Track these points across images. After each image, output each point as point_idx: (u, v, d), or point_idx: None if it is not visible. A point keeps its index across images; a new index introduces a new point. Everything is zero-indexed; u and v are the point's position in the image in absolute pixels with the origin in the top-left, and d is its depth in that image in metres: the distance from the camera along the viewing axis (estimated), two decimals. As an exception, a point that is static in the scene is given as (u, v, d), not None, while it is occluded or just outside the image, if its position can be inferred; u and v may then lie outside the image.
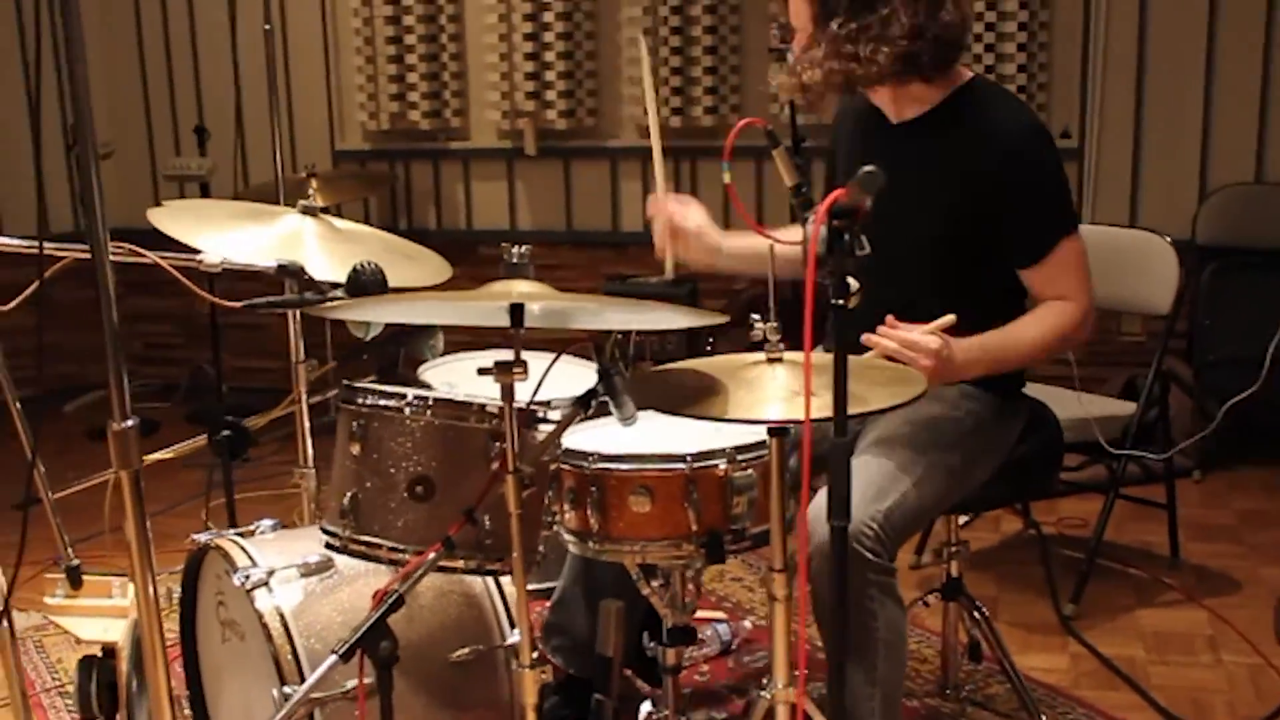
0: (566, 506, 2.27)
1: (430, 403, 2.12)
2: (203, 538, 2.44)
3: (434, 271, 2.73)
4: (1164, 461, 3.74)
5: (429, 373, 2.93)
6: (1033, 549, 3.85)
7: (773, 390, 1.95)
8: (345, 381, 2.18)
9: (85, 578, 2.35)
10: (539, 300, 1.90)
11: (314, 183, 4.49)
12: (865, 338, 2.23)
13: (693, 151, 5.18)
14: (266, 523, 2.53)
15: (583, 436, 2.31)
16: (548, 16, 5.04)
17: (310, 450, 2.85)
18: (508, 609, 2.41)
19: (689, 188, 5.21)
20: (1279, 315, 4.63)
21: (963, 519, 2.92)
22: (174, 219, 2.57)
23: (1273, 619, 3.44)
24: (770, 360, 2.02)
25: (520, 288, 1.89)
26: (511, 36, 5.08)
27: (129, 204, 5.10)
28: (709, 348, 4.90)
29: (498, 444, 2.08)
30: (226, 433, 2.86)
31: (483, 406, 2.12)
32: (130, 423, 1.78)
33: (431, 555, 1.92)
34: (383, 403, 2.12)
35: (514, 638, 2.36)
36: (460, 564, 2.06)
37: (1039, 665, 3.18)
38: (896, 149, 2.54)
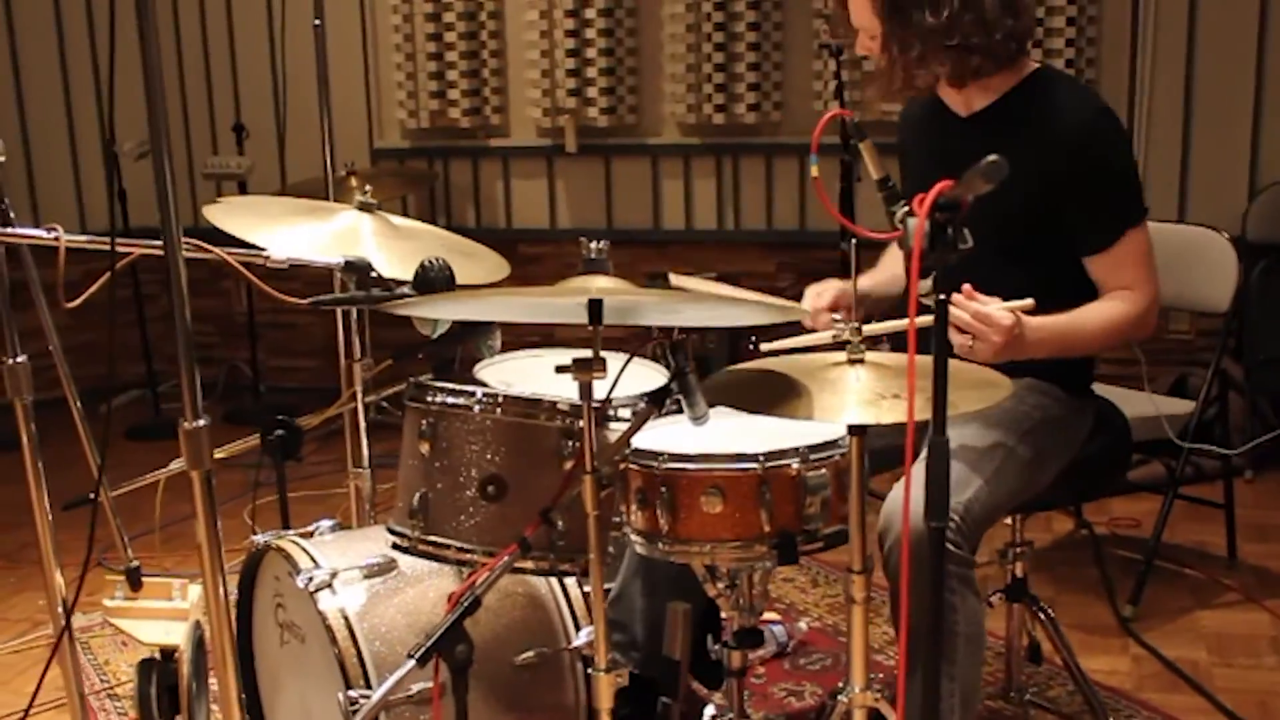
0: (634, 507, 2.22)
1: (500, 400, 2.09)
2: (262, 539, 2.40)
3: (492, 269, 2.70)
4: (1222, 460, 3.69)
5: (484, 371, 2.89)
6: (1085, 549, 3.80)
7: (857, 391, 1.90)
8: (413, 379, 2.14)
9: (144, 579, 2.31)
10: (618, 295, 1.85)
11: (353, 180, 4.48)
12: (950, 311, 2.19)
13: (736, 148, 5.14)
14: (326, 523, 2.49)
15: (650, 436, 2.26)
16: (589, 13, 5.00)
17: (366, 450, 2.81)
18: (573, 610, 2.37)
19: (732, 184, 5.17)
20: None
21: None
22: (230, 215, 2.54)
23: (1338, 621, 3.39)
24: (851, 361, 1.97)
25: (599, 283, 1.85)
26: (553, 33, 5.04)
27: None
28: (751, 348, 4.86)
29: (571, 442, 2.05)
30: (280, 432, 2.83)
31: (554, 404, 2.08)
32: (202, 422, 1.75)
33: (507, 556, 1.88)
34: (452, 400, 2.08)
35: (580, 639, 2.34)
36: (533, 565, 2.02)
37: (1100, 667, 3.12)
38: (967, 141, 2.51)
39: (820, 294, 2.60)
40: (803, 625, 3.38)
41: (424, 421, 2.07)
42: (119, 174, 5.17)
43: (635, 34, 5.11)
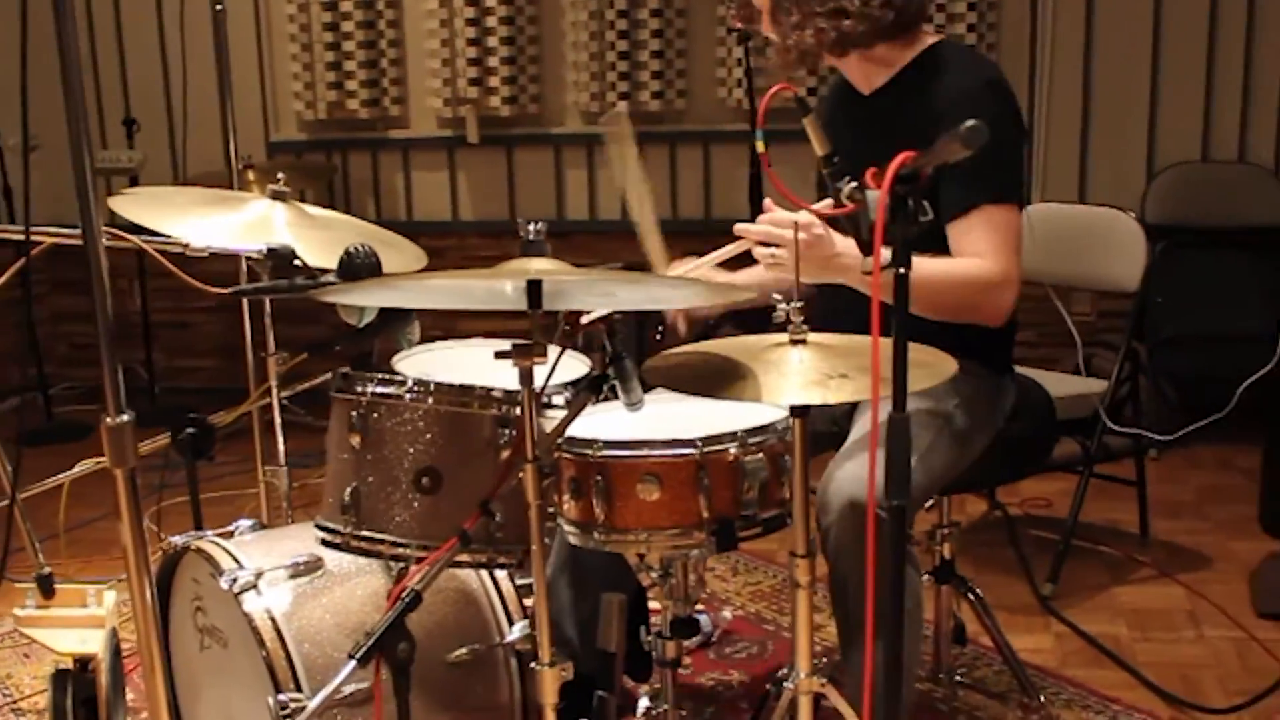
0: (567, 496, 2.17)
1: (432, 389, 2.02)
2: (180, 540, 2.31)
3: (411, 259, 2.63)
4: (1133, 438, 3.74)
5: (402, 363, 2.82)
6: (1000, 531, 3.82)
7: (802, 372, 1.87)
8: (340, 370, 2.07)
9: (57, 586, 2.21)
10: (558, 277, 1.80)
11: (250, 174, 4.37)
12: (737, 228, 2.19)
13: (639, 137, 5.07)
14: (245, 523, 2.41)
15: (583, 423, 2.21)
16: (489, 1, 4.92)
17: (281, 447, 2.72)
18: (505, 605, 2.32)
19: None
20: (1227, 293, 4.69)
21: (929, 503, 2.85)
22: (137, 206, 2.44)
23: (1249, 593, 3.44)
24: (793, 341, 1.94)
25: (537, 265, 1.79)
26: (453, 22, 4.95)
27: (54, 199, 4.94)
28: (658, 338, 4.82)
29: (507, 431, 1.99)
30: (190, 430, 2.73)
31: (487, 391, 2.03)
32: (125, 417, 1.66)
33: (447, 551, 1.82)
34: (382, 390, 2.01)
35: (514, 634, 2.28)
36: (471, 558, 1.96)
37: (1024, 646, 3.13)
38: (868, 119, 2.52)
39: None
40: (726, 614, 3.36)
41: (353, 413, 2.00)
42: (4, 169, 5.00)
43: (536, 22, 5.05)
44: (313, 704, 1.86)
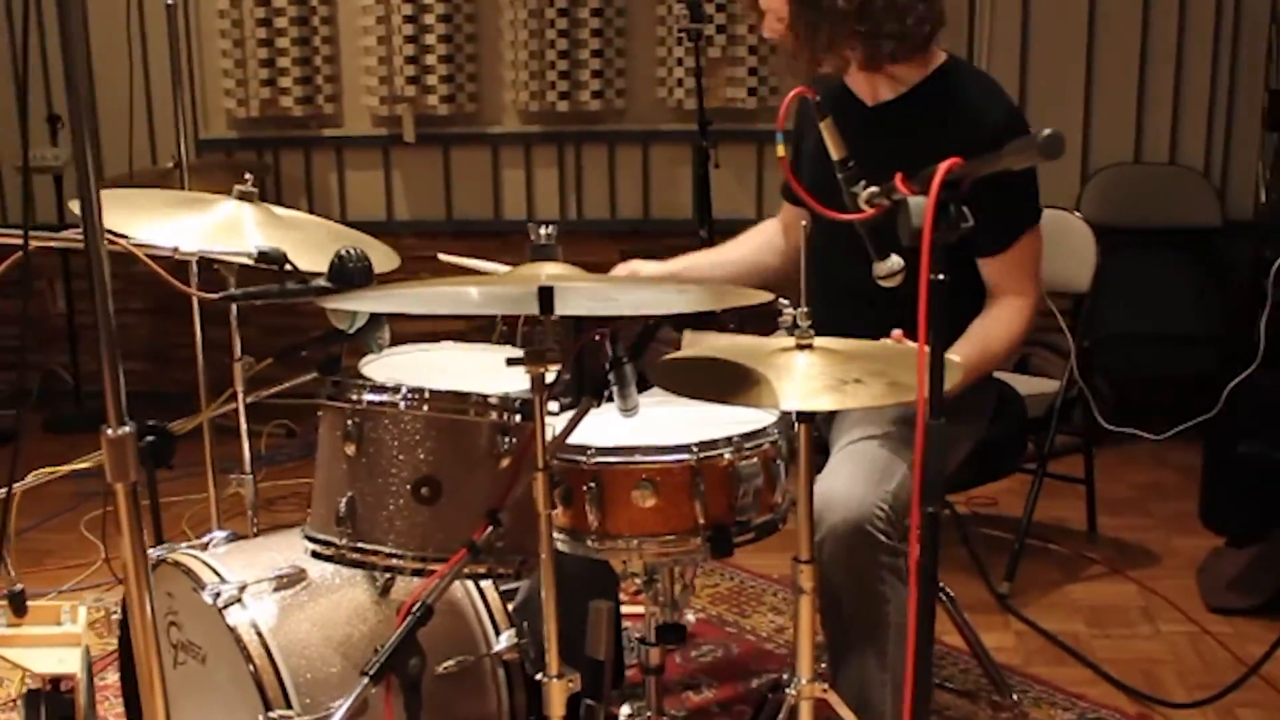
0: (558, 504, 2.14)
1: (427, 396, 1.97)
2: (154, 553, 2.23)
3: (382, 260, 2.57)
4: (1083, 436, 3.79)
5: (369, 367, 2.76)
6: (949, 530, 3.84)
7: (816, 377, 1.86)
8: (329, 377, 2.01)
9: (29, 604, 2.13)
10: (571, 283, 1.76)
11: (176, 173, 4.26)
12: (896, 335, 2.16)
13: (578, 137, 5.06)
14: (220, 534, 2.34)
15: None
16: (427, -2, 4.85)
17: (248, 454, 2.65)
18: (491, 615, 2.27)
19: (574, 173, 5.10)
20: (1160, 293, 4.78)
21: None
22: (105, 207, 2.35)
23: (1198, 588, 3.50)
24: (800, 346, 1.92)
25: (549, 270, 1.76)
26: (391, 19, 4.87)
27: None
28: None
29: (507, 439, 1.95)
30: (150, 438, 2.64)
31: (484, 398, 1.98)
32: (127, 428, 1.60)
33: (457, 563, 1.77)
34: (377, 398, 1.96)
35: (501, 645, 2.24)
36: (472, 570, 1.92)
37: (986, 644, 3.15)
38: (873, 131, 2.48)
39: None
40: (690, 617, 3.33)
41: (349, 421, 1.94)
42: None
43: (474, 20, 4.98)
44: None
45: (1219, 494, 3.96)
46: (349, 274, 1.97)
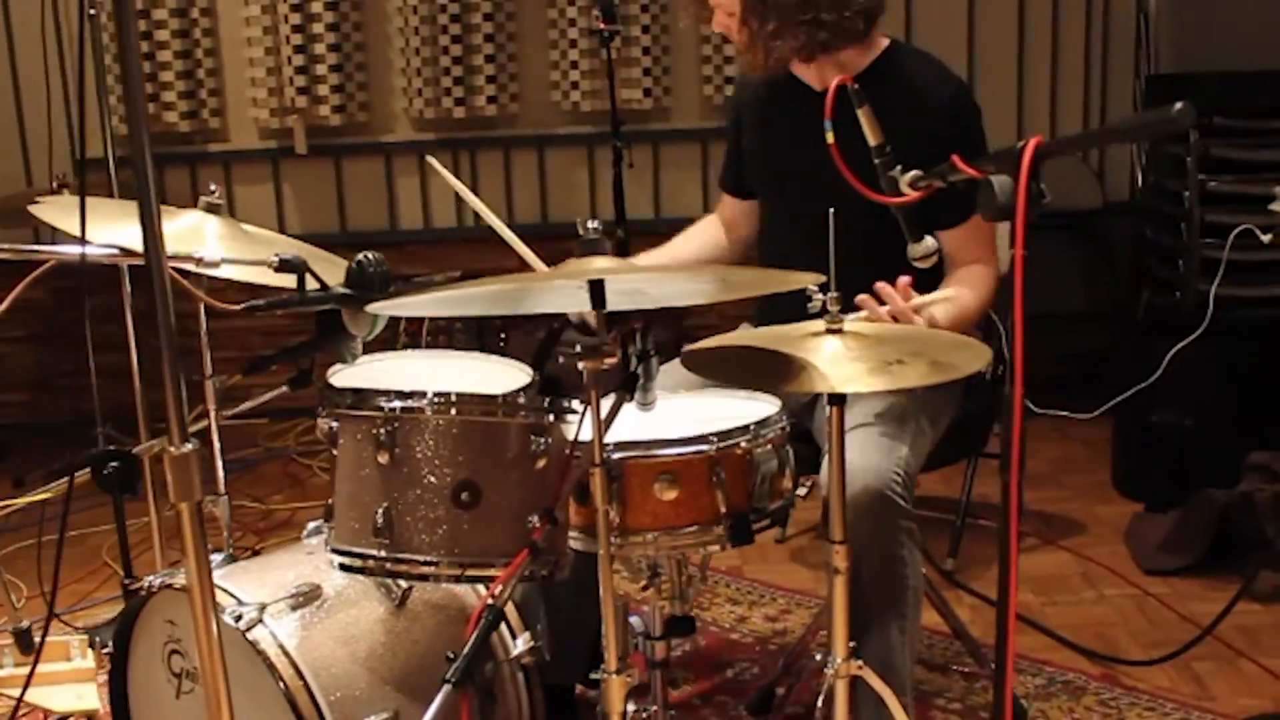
0: (574, 502, 2.12)
1: (453, 399, 1.94)
2: (156, 580, 2.15)
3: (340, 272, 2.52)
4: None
5: (334, 378, 2.70)
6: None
7: (859, 359, 1.88)
8: (333, 385, 1.97)
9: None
10: (621, 277, 1.76)
11: (66, 193, 4.12)
12: (859, 299, 2.21)
13: (473, 143, 5.02)
14: (217, 555, 2.27)
15: (586, 426, 2.17)
16: (315, 6, 4.74)
17: (221, 475, 2.56)
18: (506, 620, 2.24)
19: (470, 179, 5.05)
20: (1048, 274, 4.93)
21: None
22: (66, 215, 2.27)
23: (1130, 552, 3.64)
24: (830, 331, 1.94)
25: (598, 264, 1.74)
26: (279, 29, 4.76)
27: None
28: (502, 341, 4.75)
29: (542, 439, 1.93)
30: (114, 465, 2.55)
31: (510, 399, 1.96)
32: (189, 446, 1.55)
33: (521, 563, 1.75)
34: (404, 405, 1.92)
35: (519, 649, 2.21)
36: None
37: (941, 621, 3.23)
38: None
39: None
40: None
41: (380, 430, 1.89)
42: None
43: (363, 29, 4.90)
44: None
45: (1134, 462, 4.14)
46: (369, 279, 1.93)
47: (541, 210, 5.11)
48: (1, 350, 5.02)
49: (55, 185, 4.14)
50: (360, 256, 1.93)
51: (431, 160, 2.86)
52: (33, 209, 2.29)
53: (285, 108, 4.84)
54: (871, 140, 1.87)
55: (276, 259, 1.93)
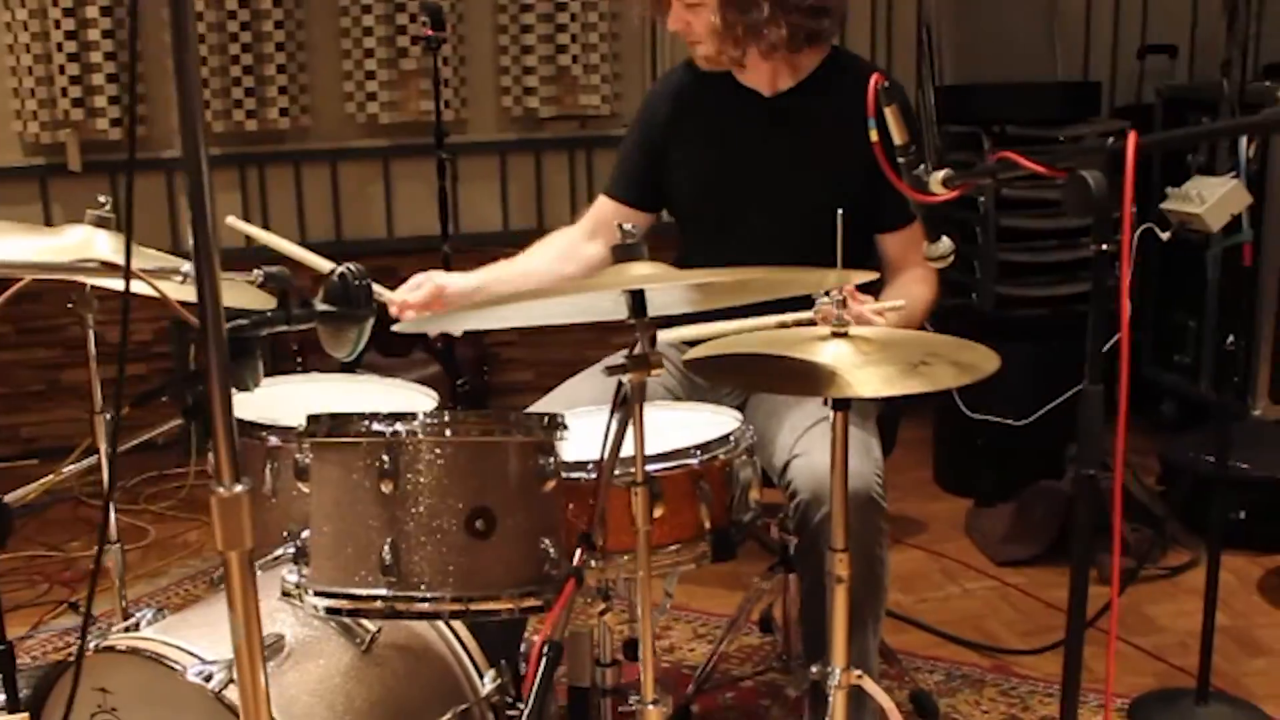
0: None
1: (447, 420, 1.79)
2: (95, 643, 1.91)
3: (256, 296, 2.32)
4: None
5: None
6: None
7: (883, 362, 1.84)
8: (323, 412, 1.79)
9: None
10: (662, 284, 1.66)
11: None
12: (848, 288, 2.18)
13: (262, 158, 4.75)
14: (146, 611, 2.03)
15: (567, 446, 2.03)
16: (90, 12, 4.38)
17: (114, 523, 2.31)
18: (470, 655, 2.10)
19: (259, 195, 4.78)
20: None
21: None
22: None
23: (976, 546, 3.74)
24: (835, 335, 1.89)
25: (637, 270, 1.64)
26: (50, 36, 4.37)
27: None
28: (299, 363, 4.52)
29: (549, 460, 1.80)
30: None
31: (507, 417, 1.83)
32: (240, 487, 1.38)
33: (570, 594, 1.63)
34: (405, 428, 1.76)
35: (488, 687, 2.08)
36: (527, 604, 1.76)
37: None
38: (772, 119, 2.52)
39: (418, 286, 2.49)
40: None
41: (381, 458, 1.72)
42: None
43: (142, 36, 4.56)
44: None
45: (956, 461, 4.27)
46: (353, 295, 1.76)
47: (335, 226, 4.89)
48: None
49: None
50: (343, 269, 1.75)
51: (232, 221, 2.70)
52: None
53: (58, 121, 4.45)
54: (897, 139, 1.84)
55: (260, 274, 1.74)
